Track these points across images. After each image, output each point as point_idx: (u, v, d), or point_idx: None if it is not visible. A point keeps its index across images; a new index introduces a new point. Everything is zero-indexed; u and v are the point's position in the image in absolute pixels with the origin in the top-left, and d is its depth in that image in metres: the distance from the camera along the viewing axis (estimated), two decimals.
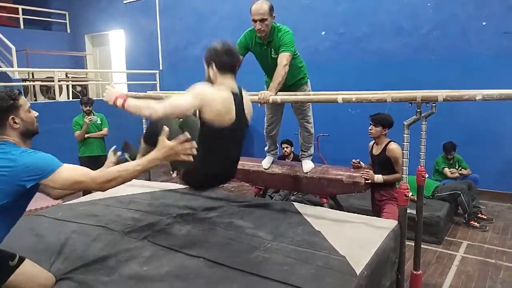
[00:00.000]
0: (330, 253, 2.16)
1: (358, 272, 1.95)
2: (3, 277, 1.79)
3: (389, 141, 3.40)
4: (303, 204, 3.28)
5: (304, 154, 3.69)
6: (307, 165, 3.60)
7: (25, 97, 1.91)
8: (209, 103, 2.12)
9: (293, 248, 2.22)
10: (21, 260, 1.86)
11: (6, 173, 1.64)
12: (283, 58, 3.07)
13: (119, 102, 2.09)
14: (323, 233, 2.44)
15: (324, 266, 2.02)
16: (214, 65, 2.21)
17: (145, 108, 2.08)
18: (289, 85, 3.31)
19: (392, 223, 2.61)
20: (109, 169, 1.83)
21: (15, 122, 1.76)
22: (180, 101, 2.10)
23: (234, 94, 2.22)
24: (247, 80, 3.77)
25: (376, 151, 3.48)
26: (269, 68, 3.32)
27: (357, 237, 2.41)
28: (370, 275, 2.02)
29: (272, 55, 3.23)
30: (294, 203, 3.14)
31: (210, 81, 2.23)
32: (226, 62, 2.21)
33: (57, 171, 1.69)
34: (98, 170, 1.85)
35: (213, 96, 2.14)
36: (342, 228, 2.57)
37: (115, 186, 1.78)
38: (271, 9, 3.09)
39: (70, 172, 1.72)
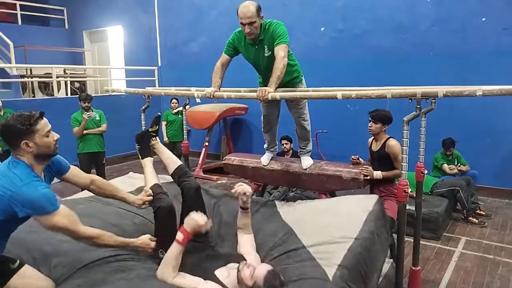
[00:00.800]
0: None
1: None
2: (4, 279, 1.81)
3: (388, 137, 3.39)
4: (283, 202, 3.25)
5: (302, 151, 3.68)
6: (306, 162, 3.59)
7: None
8: None
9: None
10: (21, 264, 1.89)
11: (5, 194, 1.71)
12: (280, 51, 2.91)
13: (179, 236, 2.11)
14: (295, 230, 2.47)
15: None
16: None
17: (172, 264, 2.07)
18: (282, 85, 3.11)
19: (372, 198, 2.69)
20: (94, 230, 1.95)
21: (28, 146, 1.79)
22: None
23: None
24: (245, 76, 3.80)
25: (375, 147, 3.48)
26: (263, 68, 3.18)
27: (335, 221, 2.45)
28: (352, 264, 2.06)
29: (266, 53, 3.07)
30: (276, 201, 3.12)
31: (241, 285, 2.06)
32: None
33: (49, 215, 1.76)
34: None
35: None
36: (322, 216, 2.61)
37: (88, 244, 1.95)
38: (259, 9, 2.93)
39: (60, 220, 1.79)
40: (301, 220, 2.63)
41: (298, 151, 3.78)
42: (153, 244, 2.17)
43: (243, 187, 2.45)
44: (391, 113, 3.39)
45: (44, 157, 1.86)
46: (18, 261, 1.88)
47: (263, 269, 2.02)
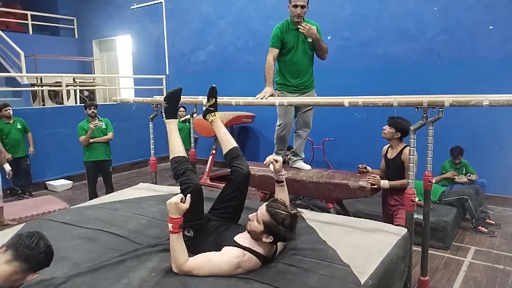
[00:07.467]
0: (334, 262, 2.13)
1: (362, 281, 1.94)
2: None
3: (405, 146, 3.36)
4: (309, 210, 3.27)
5: (299, 158, 3.93)
6: (306, 167, 3.87)
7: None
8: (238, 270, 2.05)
9: (296, 258, 2.19)
10: None
11: None
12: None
13: (170, 227, 2.02)
14: (328, 242, 2.41)
15: (327, 275, 1.99)
16: (272, 238, 2.04)
17: (178, 254, 2.01)
18: (306, 86, 3.78)
19: (401, 230, 2.58)
20: None
21: (26, 278, 1.67)
22: (218, 267, 1.99)
23: (267, 259, 2.11)
24: (254, 85, 3.81)
25: (391, 155, 3.44)
26: (301, 56, 3.67)
27: (364, 245, 2.38)
28: (376, 285, 1.99)
29: (309, 39, 3.65)
30: (300, 209, 3.12)
31: (256, 237, 2.07)
32: (285, 238, 2.10)
33: None
34: None
35: (245, 268, 2.04)
36: (349, 235, 2.54)
37: None
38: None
39: None
40: (328, 229, 2.64)
41: (293, 159, 3.97)
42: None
43: (273, 156, 2.50)
44: (410, 123, 3.35)
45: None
46: None
47: (263, 207, 2.06)
